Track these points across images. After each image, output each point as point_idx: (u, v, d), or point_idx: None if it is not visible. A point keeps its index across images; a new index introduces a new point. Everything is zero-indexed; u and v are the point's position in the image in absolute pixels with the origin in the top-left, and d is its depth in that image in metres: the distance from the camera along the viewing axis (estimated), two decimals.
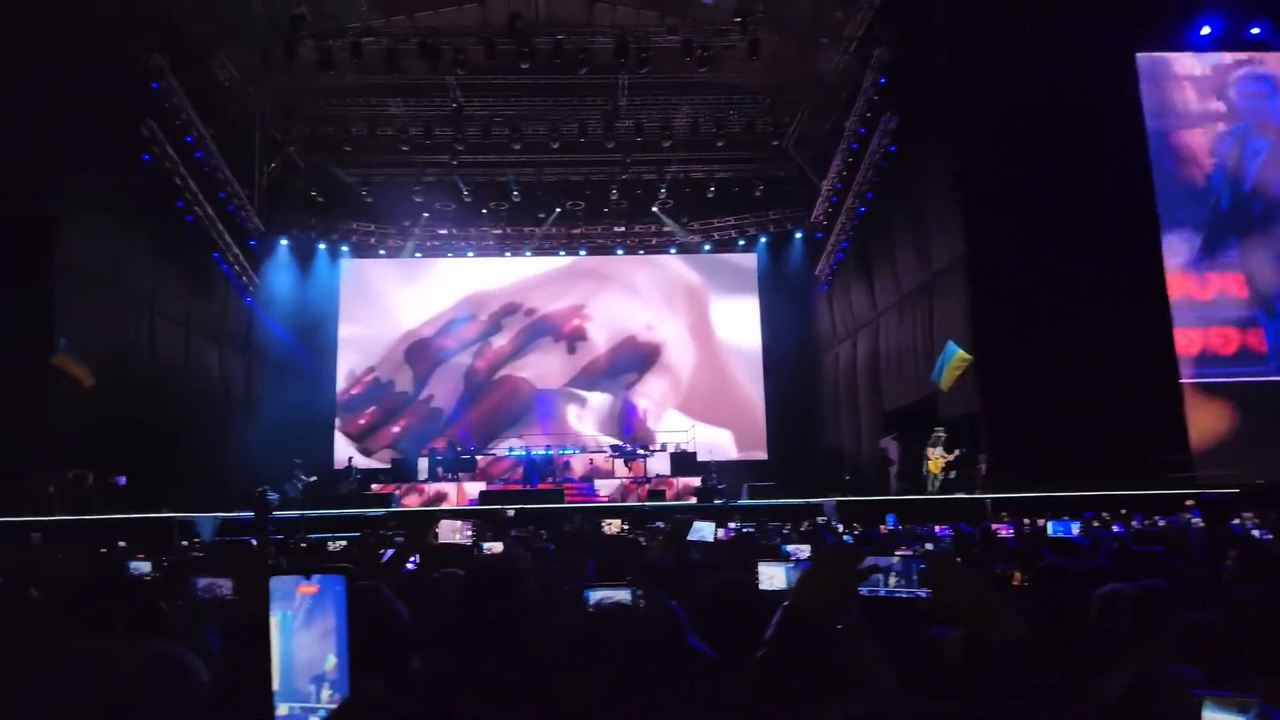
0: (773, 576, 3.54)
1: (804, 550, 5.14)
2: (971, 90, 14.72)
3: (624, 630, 1.55)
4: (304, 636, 1.36)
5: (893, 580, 2.38)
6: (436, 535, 4.11)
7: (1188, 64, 16.31)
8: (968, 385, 14.94)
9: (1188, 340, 15.13)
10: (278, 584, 1.39)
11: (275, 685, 1.37)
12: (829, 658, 1.73)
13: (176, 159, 17.29)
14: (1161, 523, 8.95)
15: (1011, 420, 14.27)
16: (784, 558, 4.62)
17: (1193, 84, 16.20)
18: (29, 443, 13.08)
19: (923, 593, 2.24)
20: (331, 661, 1.35)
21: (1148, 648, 2.39)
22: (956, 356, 14.54)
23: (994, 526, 7.77)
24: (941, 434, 15.80)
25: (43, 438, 13.38)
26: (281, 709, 1.36)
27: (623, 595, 2.56)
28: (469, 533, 5.61)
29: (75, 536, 10.48)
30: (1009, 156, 14.33)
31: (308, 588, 1.37)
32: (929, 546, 6.33)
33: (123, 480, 14.76)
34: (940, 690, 1.95)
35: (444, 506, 18.49)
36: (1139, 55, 15.81)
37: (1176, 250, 15.43)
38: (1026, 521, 9.00)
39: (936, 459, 15.73)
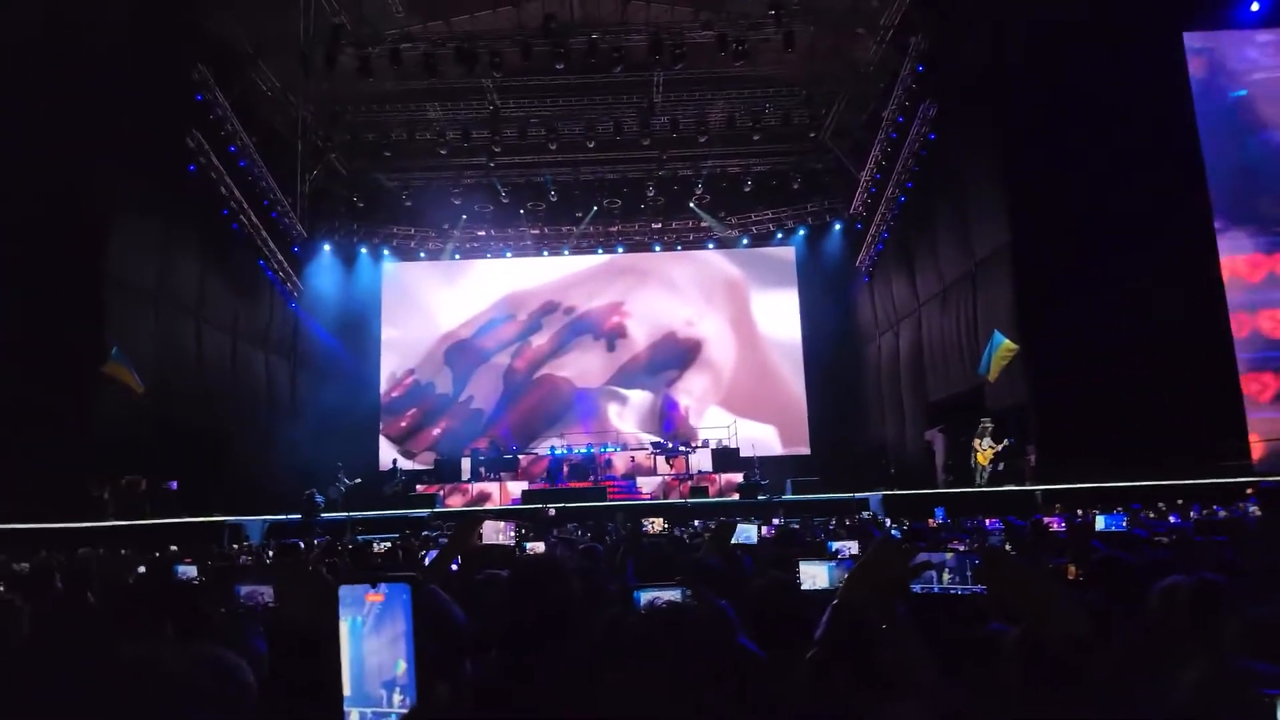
0: (815, 576, 3.50)
1: (851, 546, 5.06)
2: (1013, 74, 14.40)
3: (678, 629, 1.54)
4: (373, 642, 1.38)
5: (946, 577, 2.33)
6: (480, 536, 4.11)
7: (1239, 41, 15.81)
8: (1015, 375, 14.66)
9: (1275, 323, 14.71)
10: (347, 592, 1.41)
11: (346, 690, 1.38)
12: (875, 656, 1.70)
13: (221, 168, 17.61)
14: (1221, 513, 8.71)
15: (1061, 410, 13.98)
16: (829, 555, 4.57)
17: (1246, 61, 15.71)
18: (83, 450, 13.44)
19: (978, 589, 2.19)
20: (402, 667, 1.36)
21: (1207, 642, 2.32)
22: (1003, 346, 14.28)
23: (1045, 519, 7.60)
24: (989, 424, 15.52)
25: (96, 445, 13.74)
26: (353, 714, 1.37)
27: (672, 595, 2.53)
28: (512, 533, 5.62)
29: (130, 541, 10.75)
30: (1052, 141, 14.04)
31: (375, 596, 1.39)
32: (990, 540, 6.21)
33: (174, 485, 15.07)
34: (998, 688, 1.90)
35: (487, 506, 18.61)
36: (1186, 35, 15.37)
37: (1251, 232, 14.95)
38: (1080, 513, 8.81)
39: (985, 450, 15.46)
